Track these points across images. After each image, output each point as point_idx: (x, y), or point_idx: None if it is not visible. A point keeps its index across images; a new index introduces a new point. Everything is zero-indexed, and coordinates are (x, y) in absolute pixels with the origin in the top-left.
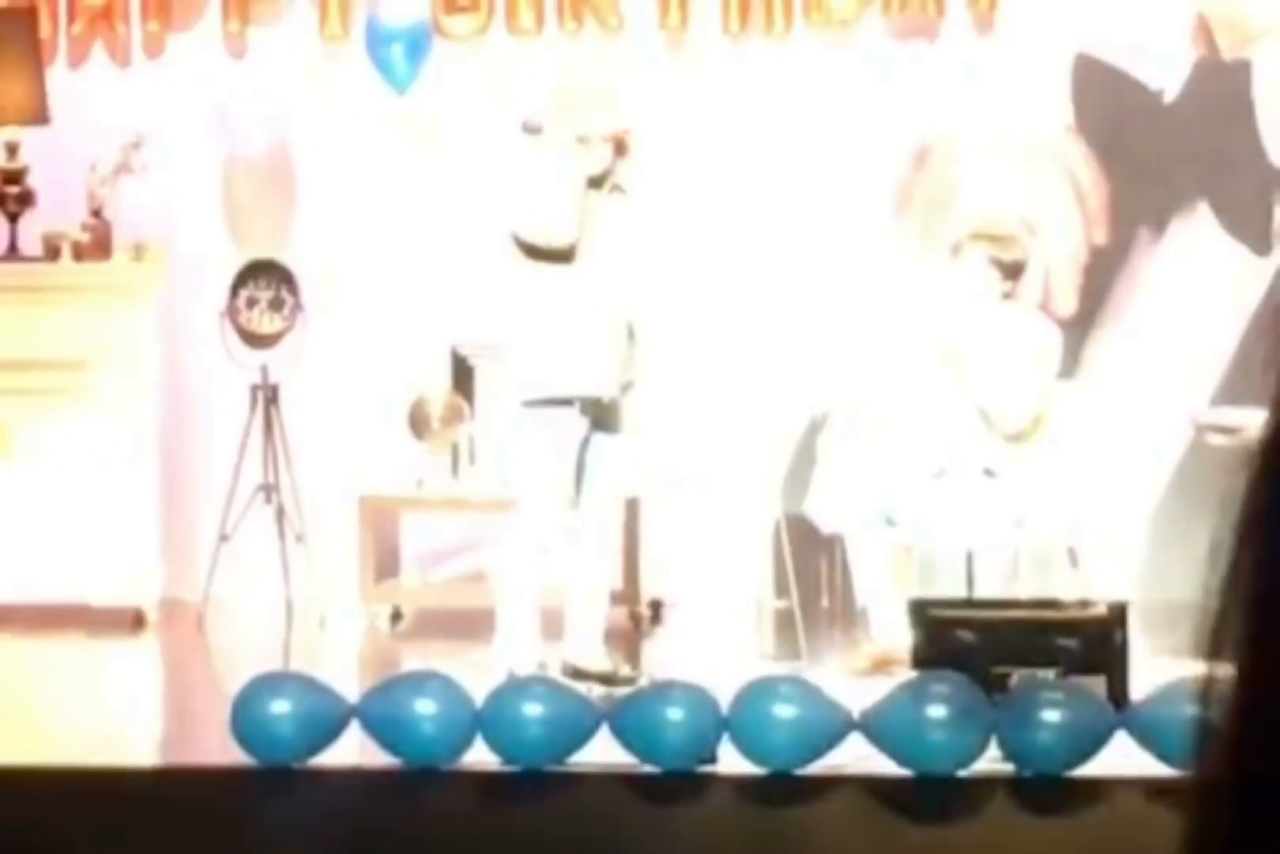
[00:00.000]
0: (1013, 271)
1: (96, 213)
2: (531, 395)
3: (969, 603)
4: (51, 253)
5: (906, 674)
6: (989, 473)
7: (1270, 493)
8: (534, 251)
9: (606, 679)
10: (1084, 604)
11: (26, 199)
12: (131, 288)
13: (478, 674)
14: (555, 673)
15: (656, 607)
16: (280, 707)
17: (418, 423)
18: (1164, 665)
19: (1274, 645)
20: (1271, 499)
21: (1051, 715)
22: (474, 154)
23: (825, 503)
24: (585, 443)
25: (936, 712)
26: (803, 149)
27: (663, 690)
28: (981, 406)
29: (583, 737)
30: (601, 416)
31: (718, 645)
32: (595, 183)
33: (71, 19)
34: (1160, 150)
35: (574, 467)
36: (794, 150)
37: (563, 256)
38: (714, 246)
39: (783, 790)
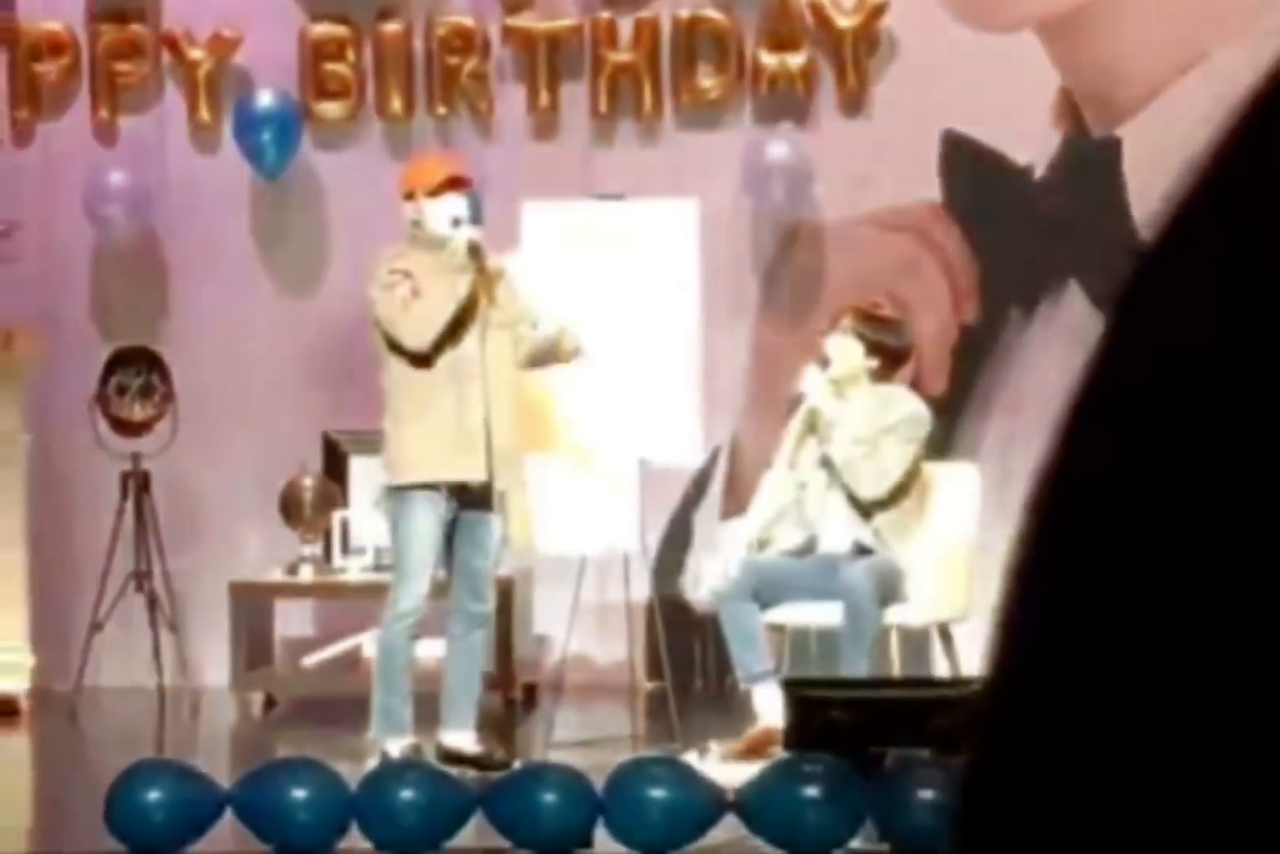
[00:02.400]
0: (886, 354)
1: None
2: (401, 480)
3: (842, 683)
4: None
5: (780, 755)
6: (860, 546)
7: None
8: (396, 348)
9: (481, 763)
10: (959, 682)
11: None
12: (1, 375)
13: (352, 761)
14: (430, 758)
15: (530, 690)
16: (154, 795)
17: (290, 509)
18: None
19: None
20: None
21: (926, 795)
22: (348, 239)
23: (700, 581)
24: (454, 523)
25: (810, 792)
26: (671, 228)
27: (537, 774)
28: (845, 474)
29: (458, 822)
30: (470, 499)
31: (592, 728)
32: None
33: None
34: (1029, 227)
35: (441, 546)
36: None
37: (423, 360)
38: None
39: None
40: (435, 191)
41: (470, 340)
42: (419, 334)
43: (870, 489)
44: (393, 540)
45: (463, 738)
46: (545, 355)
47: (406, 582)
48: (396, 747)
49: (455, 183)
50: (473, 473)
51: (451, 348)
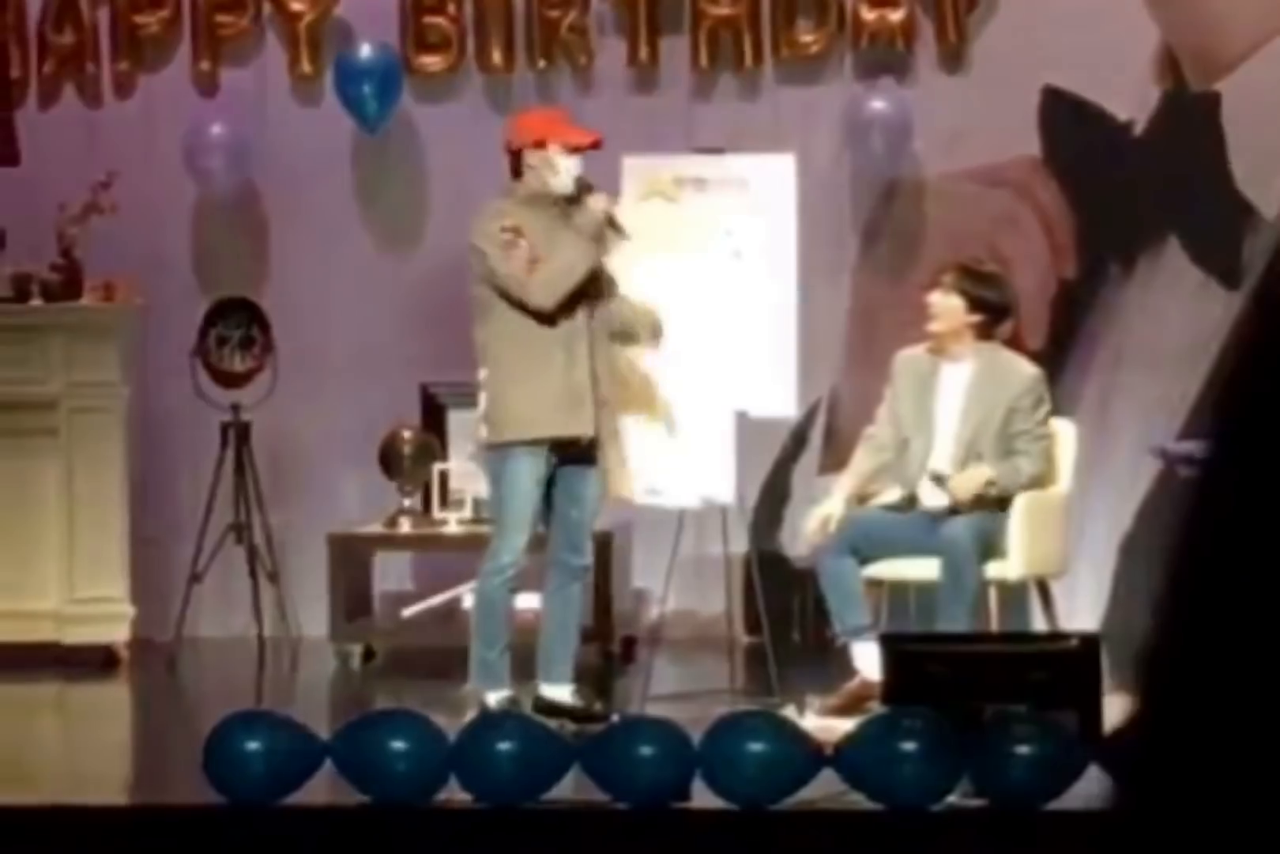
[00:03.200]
0: (989, 310)
1: (66, 253)
2: (507, 437)
3: (940, 637)
4: (21, 293)
5: (878, 709)
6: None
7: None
8: (517, 304)
9: (578, 715)
10: (1056, 637)
11: None
12: (101, 327)
13: (450, 712)
14: (528, 710)
15: (629, 643)
16: (252, 746)
17: (389, 461)
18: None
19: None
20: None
21: (1023, 750)
22: (447, 192)
23: (797, 537)
24: (552, 476)
25: (908, 747)
26: (771, 182)
27: (634, 727)
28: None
29: (555, 774)
30: (571, 453)
31: (690, 682)
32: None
33: (42, 59)
34: (1129, 183)
35: (541, 500)
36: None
37: (547, 319)
38: (676, 281)
39: (755, 826)
40: (576, 149)
41: (575, 302)
42: (548, 295)
43: (1017, 483)
44: (492, 494)
45: (560, 690)
46: (623, 336)
47: (507, 535)
48: (494, 699)
49: (596, 146)
50: (581, 428)
51: (565, 308)
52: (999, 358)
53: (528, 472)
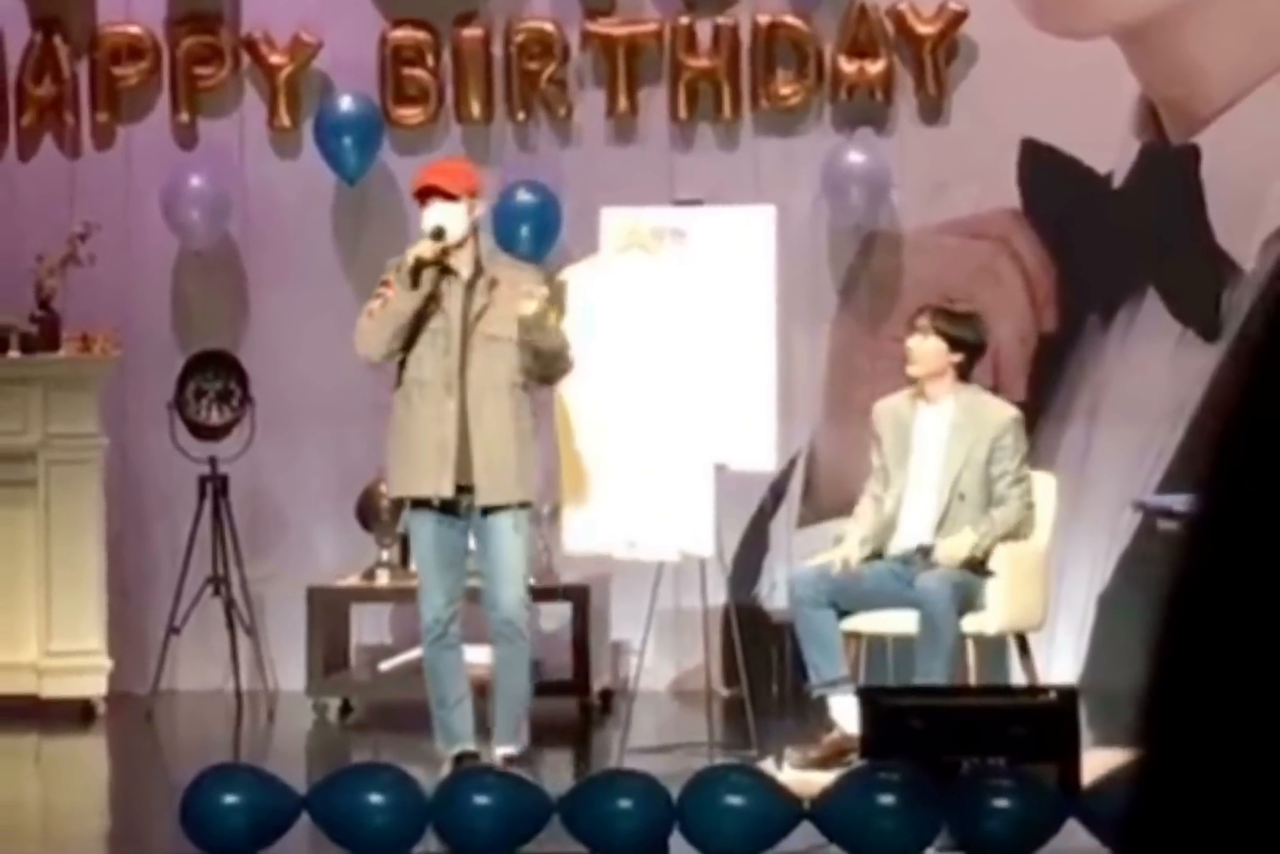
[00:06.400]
0: (966, 349)
1: (44, 304)
2: (391, 494)
3: (919, 691)
4: None
5: (856, 763)
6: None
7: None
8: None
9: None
10: (1034, 691)
11: None
12: (79, 379)
13: (428, 766)
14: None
15: (607, 696)
16: (230, 800)
17: (367, 514)
18: (1115, 753)
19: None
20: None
21: (1002, 803)
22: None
23: (776, 589)
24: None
25: (887, 800)
26: (750, 234)
27: (613, 780)
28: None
29: (534, 827)
30: (479, 509)
31: (668, 735)
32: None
33: (21, 111)
34: (1108, 235)
35: (455, 557)
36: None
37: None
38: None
39: None
40: (419, 196)
41: (446, 354)
42: (360, 343)
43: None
44: None
45: (501, 750)
46: (540, 378)
47: (422, 595)
48: (452, 754)
49: (432, 192)
50: (441, 489)
51: (431, 360)
52: (979, 399)
53: (422, 528)
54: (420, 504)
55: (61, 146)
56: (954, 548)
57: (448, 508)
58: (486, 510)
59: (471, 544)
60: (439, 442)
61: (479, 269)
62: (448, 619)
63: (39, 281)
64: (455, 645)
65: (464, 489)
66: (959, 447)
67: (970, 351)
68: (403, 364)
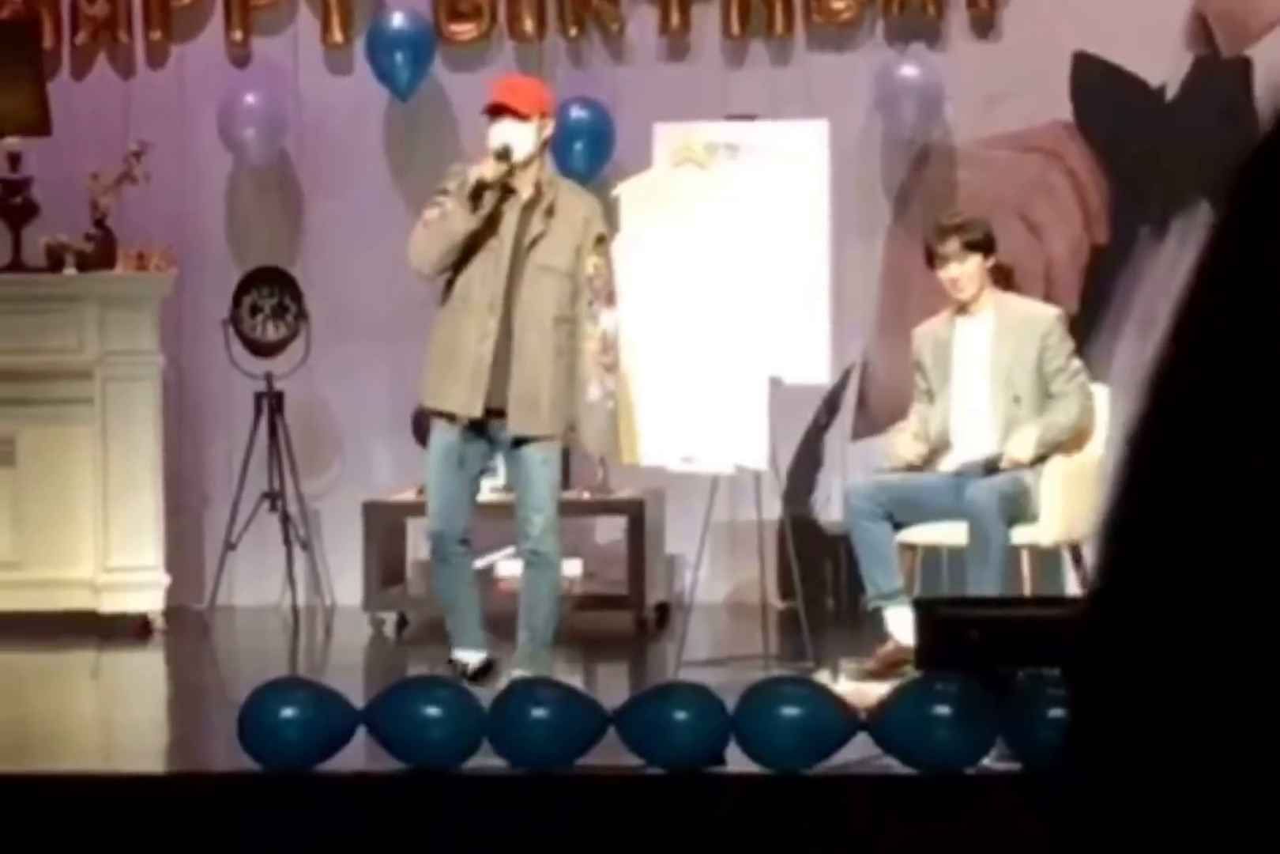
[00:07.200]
0: (992, 248)
1: (99, 222)
2: (422, 402)
3: (974, 602)
4: (54, 263)
5: (912, 674)
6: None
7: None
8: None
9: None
10: None
11: (29, 209)
12: (135, 297)
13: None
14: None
15: (662, 610)
16: (287, 714)
17: (422, 429)
18: None
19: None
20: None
21: (1057, 713)
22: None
23: (830, 502)
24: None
25: (942, 711)
26: (803, 148)
27: (669, 693)
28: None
29: (590, 740)
30: (506, 435)
31: (723, 648)
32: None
33: (75, 30)
34: (1160, 148)
35: (461, 474)
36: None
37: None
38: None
39: (789, 791)
40: (495, 114)
41: (495, 273)
42: (414, 256)
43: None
44: None
45: (519, 674)
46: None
47: (429, 505)
48: (465, 659)
49: (501, 109)
50: (471, 409)
51: (480, 278)
52: (1018, 303)
53: (438, 440)
54: (444, 416)
55: (115, 66)
56: (1019, 447)
57: (473, 425)
58: (517, 440)
59: (501, 474)
60: (475, 360)
61: (539, 192)
62: (453, 536)
63: (94, 200)
64: (453, 561)
65: (492, 413)
66: (1006, 350)
67: (994, 251)
68: (451, 280)
